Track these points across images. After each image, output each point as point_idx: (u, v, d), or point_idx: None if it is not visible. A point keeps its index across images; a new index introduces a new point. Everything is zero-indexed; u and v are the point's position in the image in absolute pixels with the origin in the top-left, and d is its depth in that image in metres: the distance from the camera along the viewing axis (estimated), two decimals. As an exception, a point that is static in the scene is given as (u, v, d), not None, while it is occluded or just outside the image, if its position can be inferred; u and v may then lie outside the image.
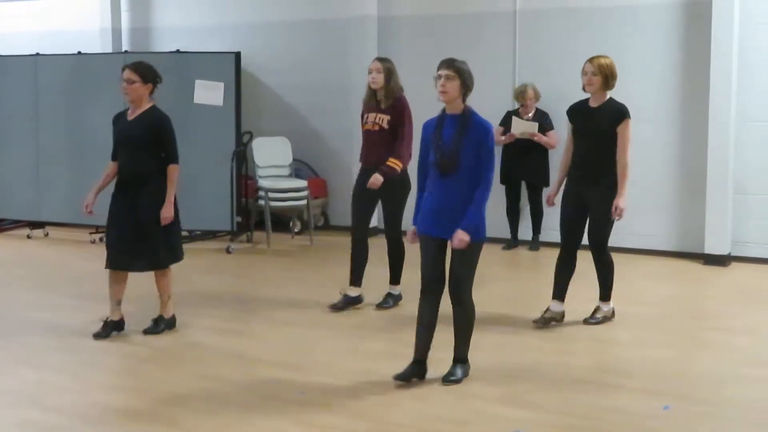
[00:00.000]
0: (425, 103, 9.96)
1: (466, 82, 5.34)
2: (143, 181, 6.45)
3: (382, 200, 7.32)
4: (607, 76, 6.58)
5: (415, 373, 5.49)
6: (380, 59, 7.37)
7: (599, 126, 6.61)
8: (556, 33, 10.04)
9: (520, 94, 9.83)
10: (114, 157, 6.64)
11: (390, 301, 7.42)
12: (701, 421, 4.99)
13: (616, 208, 6.56)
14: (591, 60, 6.63)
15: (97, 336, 6.51)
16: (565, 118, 9.69)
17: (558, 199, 6.94)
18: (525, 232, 10.17)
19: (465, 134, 5.31)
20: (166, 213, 6.50)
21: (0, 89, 11.26)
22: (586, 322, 6.84)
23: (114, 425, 4.96)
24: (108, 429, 4.93)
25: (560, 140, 9.77)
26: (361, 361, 6.05)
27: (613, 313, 6.95)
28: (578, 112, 6.79)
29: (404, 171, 7.21)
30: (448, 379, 5.48)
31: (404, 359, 5.59)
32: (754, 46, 9.02)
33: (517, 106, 10.01)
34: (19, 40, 12.75)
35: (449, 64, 5.37)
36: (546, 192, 9.84)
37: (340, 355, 6.21)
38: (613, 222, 6.68)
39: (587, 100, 6.76)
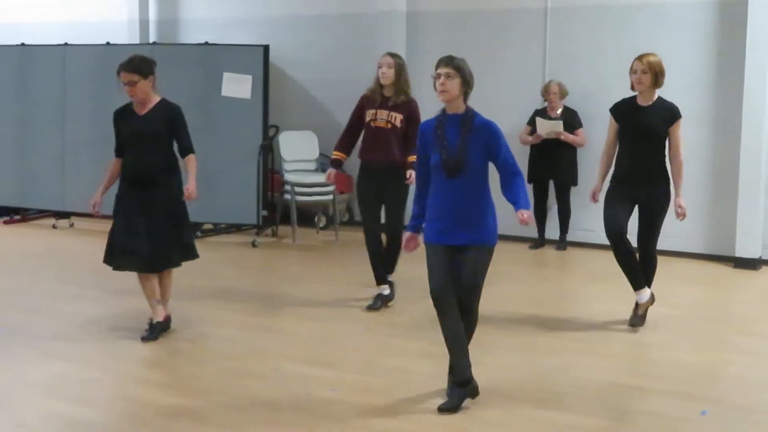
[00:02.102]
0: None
1: (467, 80, 5.10)
2: (156, 178, 6.30)
3: (387, 198, 7.27)
4: (657, 74, 6.48)
5: (463, 397, 5.11)
6: (391, 54, 7.28)
7: (651, 125, 6.51)
8: (587, 31, 9.93)
9: (545, 89, 9.73)
10: (119, 154, 6.45)
11: (379, 302, 7.31)
12: (738, 427, 4.91)
13: (680, 208, 6.48)
14: (640, 58, 6.53)
15: (146, 339, 6.29)
16: (595, 115, 9.74)
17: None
18: (552, 231, 10.08)
19: (470, 134, 5.05)
20: (192, 187, 6.28)
21: (28, 78, 11.26)
22: (630, 324, 6.74)
23: (142, 419, 4.92)
24: (136, 423, 4.88)
25: (588, 139, 9.72)
26: (393, 359, 6.00)
27: (653, 297, 6.80)
28: (626, 111, 6.65)
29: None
30: (442, 407, 5.05)
31: (436, 358, 5.53)
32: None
33: (545, 104, 9.92)
34: (45, 30, 12.73)
35: (448, 61, 5.12)
36: (575, 190, 9.87)
37: (371, 353, 6.17)
38: (661, 225, 6.59)
39: (634, 98, 6.65)
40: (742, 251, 9.07)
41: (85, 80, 10.91)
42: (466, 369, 5.10)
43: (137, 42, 12.22)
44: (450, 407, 5.02)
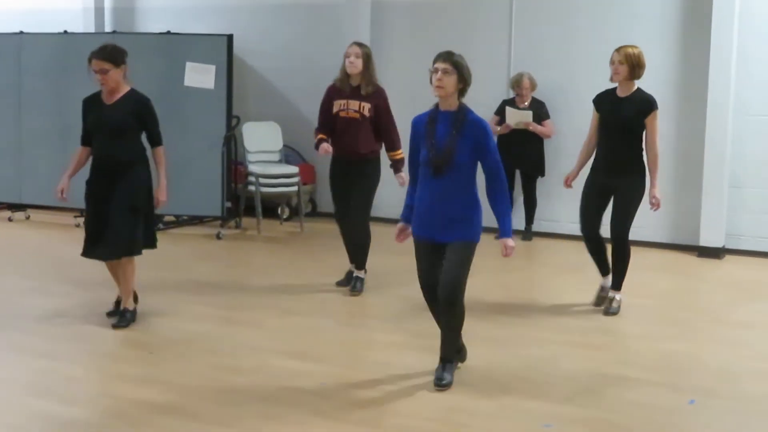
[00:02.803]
0: (416, 88, 9.91)
1: (464, 77, 5.04)
2: (124, 167, 6.22)
3: (356, 185, 7.25)
4: (634, 66, 6.55)
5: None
6: (359, 44, 7.25)
7: (627, 116, 6.57)
8: (553, 22, 9.99)
9: (516, 83, 9.76)
10: (85, 142, 6.38)
11: (359, 285, 7.36)
12: (727, 417, 4.96)
13: (654, 198, 6.55)
14: (618, 49, 6.60)
15: (117, 326, 6.30)
16: (561, 107, 9.80)
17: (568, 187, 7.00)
18: (518, 222, 10.11)
19: (460, 132, 5.02)
20: (163, 196, 6.38)
21: (-19, 67, 10.98)
22: (607, 313, 6.82)
23: (133, 417, 4.79)
24: (126, 422, 4.75)
25: (556, 130, 9.78)
26: (377, 352, 5.99)
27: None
28: (605, 102, 6.73)
29: (378, 158, 7.28)
30: (440, 384, 5.18)
31: (420, 351, 5.56)
32: (754, 37, 9.03)
33: (512, 95, 9.95)
34: (-1, 18, 12.45)
35: (447, 57, 5.03)
36: (541, 181, 9.92)
37: (355, 346, 6.13)
38: (635, 212, 6.67)
39: (614, 89, 6.72)
40: (706, 241, 9.21)
41: (41, 69, 10.68)
42: (462, 347, 5.39)
43: (92, 30, 11.99)
44: (448, 382, 5.19)
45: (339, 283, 7.47)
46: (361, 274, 7.41)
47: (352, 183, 7.25)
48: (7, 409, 4.94)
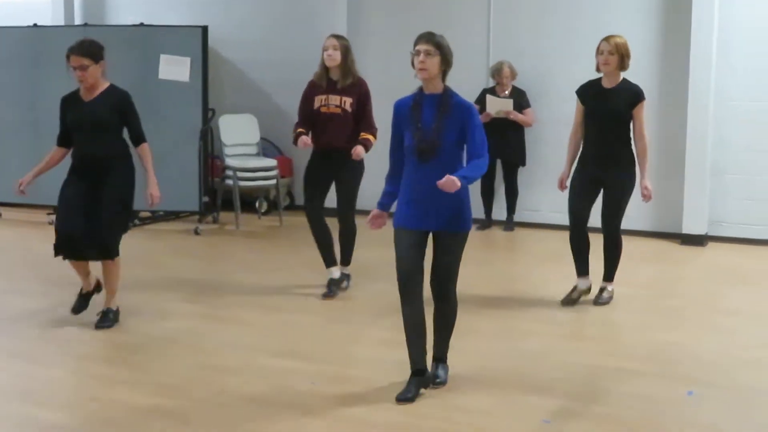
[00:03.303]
0: (394, 78, 9.79)
1: (446, 58, 4.86)
2: (107, 165, 6.03)
3: (340, 180, 7.10)
4: (623, 56, 6.45)
5: (420, 386, 4.95)
6: (336, 36, 7.06)
7: (615, 107, 6.48)
8: (532, 10, 9.90)
9: (496, 71, 9.66)
10: (62, 143, 6.18)
11: (333, 287, 7.15)
12: (727, 408, 4.90)
13: (646, 189, 6.48)
14: (607, 39, 6.48)
15: (100, 326, 6.13)
16: (541, 96, 9.71)
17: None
18: (499, 212, 10.04)
19: (446, 115, 4.84)
20: (156, 192, 6.21)
21: (-52, 62, 10.69)
22: (596, 303, 6.74)
23: (122, 422, 4.63)
24: (116, 427, 4.59)
25: (537, 119, 9.70)
26: (366, 349, 5.87)
27: (590, 288, 6.90)
28: (591, 93, 6.62)
29: None
30: (434, 383, 5.02)
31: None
32: (734, 24, 8.99)
33: (492, 83, 9.85)
34: (-37, 11, 12.15)
35: (429, 38, 4.85)
36: (522, 170, 9.84)
37: (342, 343, 6.01)
38: (626, 205, 6.59)
39: (599, 80, 6.61)
40: (689, 228, 9.18)
41: (10, 63, 10.42)
42: (421, 358, 4.97)
43: (62, 23, 11.73)
44: (406, 398, 4.86)
45: (326, 296, 7.08)
46: (348, 270, 7.27)
47: (335, 178, 7.10)
48: (-10, 415, 4.79)
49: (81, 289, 6.37)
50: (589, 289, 6.84)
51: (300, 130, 7.04)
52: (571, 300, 6.77)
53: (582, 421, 4.69)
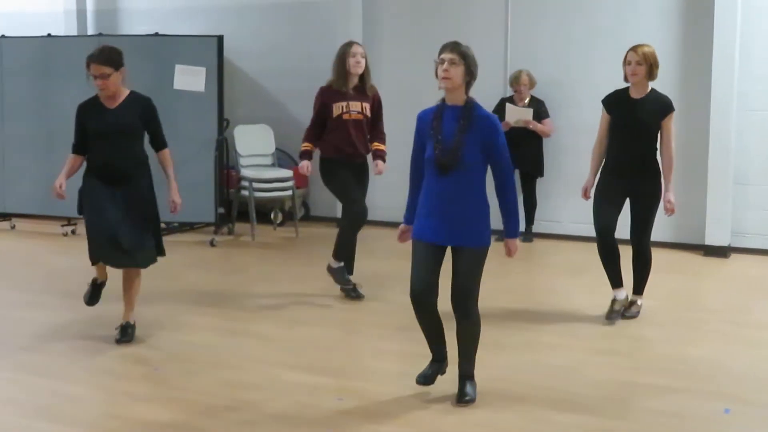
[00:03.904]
0: (409, 87, 9.74)
1: (470, 69, 4.78)
2: (132, 173, 5.95)
3: (361, 186, 7.15)
4: (651, 66, 6.33)
5: (438, 371, 5.14)
6: (359, 44, 7.12)
7: (644, 118, 6.36)
8: (550, 18, 9.80)
9: (515, 79, 9.56)
10: (79, 150, 6.04)
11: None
12: (765, 426, 4.78)
13: (669, 203, 6.37)
14: (635, 49, 6.36)
15: (121, 341, 6.02)
16: (560, 105, 9.60)
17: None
18: (517, 222, 9.91)
19: (468, 129, 4.73)
20: (178, 199, 6.15)
21: (-39, 73, 10.63)
22: (624, 316, 6.60)
23: (144, 440, 4.56)
24: (138, 444, 4.53)
25: (555, 128, 9.60)
26: (391, 364, 5.75)
27: (627, 298, 6.77)
28: (618, 103, 6.48)
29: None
30: (463, 401, 4.93)
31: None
32: (756, 32, 8.87)
33: (510, 92, 9.75)
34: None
35: (454, 47, 4.78)
36: (540, 181, 9.73)
37: (366, 358, 5.92)
38: (654, 218, 6.47)
39: (626, 90, 6.48)
40: (711, 239, 9.05)
41: (24, 74, 10.34)
42: (440, 353, 5.12)
43: (75, 33, 11.67)
44: (425, 376, 5.08)
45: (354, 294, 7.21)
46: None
47: (358, 184, 7.12)
48: (10, 433, 4.68)
49: (95, 280, 6.24)
50: (626, 299, 6.71)
51: (307, 146, 7.05)
52: (614, 313, 6.63)
53: (615, 439, 4.58)
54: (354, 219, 7.04)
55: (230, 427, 4.67)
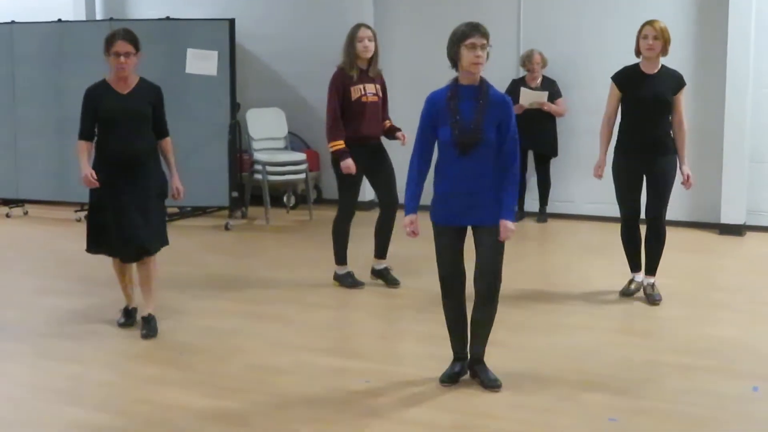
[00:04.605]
0: (421, 68, 9.69)
1: (487, 51, 4.76)
2: (145, 159, 5.91)
3: (382, 169, 7.03)
4: (666, 41, 6.30)
5: (462, 370, 5.03)
6: (368, 26, 7.00)
7: (659, 93, 6.33)
8: (562, -3, 9.76)
9: (527, 58, 9.51)
10: (88, 136, 5.91)
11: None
12: (795, 403, 4.79)
13: (688, 177, 6.36)
14: (651, 23, 6.31)
15: (147, 336, 5.91)
16: (572, 85, 9.56)
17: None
18: (531, 203, 9.91)
19: (486, 107, 4.70)
20: (182, 186, 6.12)
21: (-28, 59, 10.59)
22: (653, 303, 6.54)
23: (177, 425, 4.54)
24: (171, 429, 4.51)
25: (568, 108, 9.57)
26: (419, 345, 5.75)
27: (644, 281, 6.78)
28: (631, 79, 6.43)
29: None
30: (496, 385, 4.89)
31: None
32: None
33: (522, 73, 9.71)
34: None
35: (484, 31, 4.70)
36: (554, 161, 9.71)
37: (390, 340, 5.93)
38: (670, 194, 6.47)
39: (636, 66, 6.44)
40: (727, 218, 9.04)
41: (35, 60, 10.30)
42: (462, 348, 5.03)
43: (83, 18, 11.63)
44: (450, 376, 5.00)
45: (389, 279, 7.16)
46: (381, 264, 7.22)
47: (374, 168, 7.02)
48: (40, 418, 4.68)
49: (126, 307, 6.20)
50: (643, 282, 6.72)
51: (341, 144, 6.81)
52: (630, 290, 6.70)
53: (647, 418, 4.57)
54: (347, 216, 7.08)
55: (263, 411, 4.67)
